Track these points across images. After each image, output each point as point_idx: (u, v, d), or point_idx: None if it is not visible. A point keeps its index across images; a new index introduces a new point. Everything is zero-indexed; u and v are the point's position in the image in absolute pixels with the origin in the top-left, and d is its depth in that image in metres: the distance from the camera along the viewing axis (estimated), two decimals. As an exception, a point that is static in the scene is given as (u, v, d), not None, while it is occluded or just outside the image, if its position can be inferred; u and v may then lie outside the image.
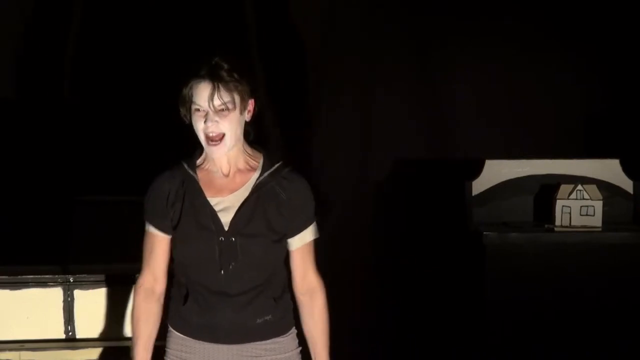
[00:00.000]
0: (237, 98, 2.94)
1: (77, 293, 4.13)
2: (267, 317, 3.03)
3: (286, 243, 3.05)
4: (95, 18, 5.25)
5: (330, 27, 5.42)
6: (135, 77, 5.20)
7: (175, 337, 3.09)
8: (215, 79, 2.92)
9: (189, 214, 2.99)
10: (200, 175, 3.03)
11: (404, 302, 5.33)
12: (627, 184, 4.80)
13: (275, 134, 5.24)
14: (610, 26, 5.40)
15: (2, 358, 4.05)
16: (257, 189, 2.99)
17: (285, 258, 3.07)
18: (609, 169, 4.80)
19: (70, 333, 4.14)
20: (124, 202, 4.62)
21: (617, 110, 5.47)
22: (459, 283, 4.93)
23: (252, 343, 3.04)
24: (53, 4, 5.28)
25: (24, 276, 4.14)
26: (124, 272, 4.09)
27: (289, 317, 3.11)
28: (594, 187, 4.67)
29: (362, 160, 5.52)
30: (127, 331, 4.13)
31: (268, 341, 3.05)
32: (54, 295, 4.13)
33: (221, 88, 2.92)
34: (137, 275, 3.06)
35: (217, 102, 2.92)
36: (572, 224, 4.63)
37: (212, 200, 2.99)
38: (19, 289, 4.11)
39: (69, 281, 4.13)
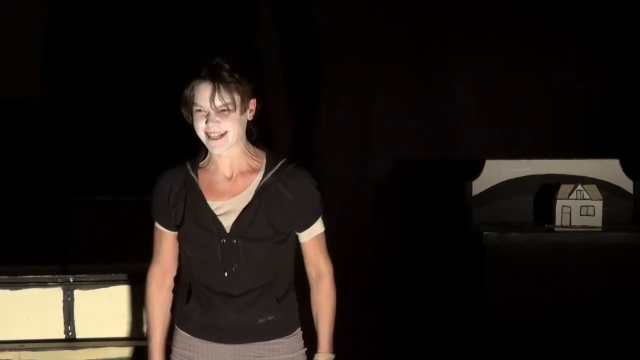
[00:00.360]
0: (237, 98, 2.94)
1: (77, 293, 4.13)
2: (270, 318, 3.04)
3: (292, 241, 3.08)
4: (96, 18, 5.25)
5: (330, 27, 5.41)
6: (136, 77, 5.20)
7: (181, 336, 3.11)
8: (216, 80, 2.92)
9: (191, 215, 3.00)
10: (202, 177, 3.03)
11: (404, 302, 5.33)
12: (627, 184, 4.80)
13: (276, 134, 5.24)
14: (610, 26, 5.40)
15: (2, 358, 4.05)
16: (260, 191, 3.00)
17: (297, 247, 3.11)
18: (609, 169, 4.80)
19: (70, 333, 4.13)
20: (124, 202, 4.62)
21: (617, 110, 5.46)
22: (459, 283, 4.93)
23: (255, 343, 3.05)
24: (54, 4, 5.28)
25: (24, 276, 4.13)
26: (124, 272, 4.11)
27: (294, 318, 3.12)
28: (594, 187, 4.67)
29: (362, 160, 5.51)
30: (128, 331, 4.13)
31: (272, 341, 3.06)
32: (54, 295, 4.12)
33: (222, 88, 2.92)
34: (141, 272, 3.13)
35: (218, 102, 2.93)
36: (572, 224, 4.63)
37: (214, 204, 2.99)
38: (19, 289, 4.11)
39: (69, 281, 4.13)
